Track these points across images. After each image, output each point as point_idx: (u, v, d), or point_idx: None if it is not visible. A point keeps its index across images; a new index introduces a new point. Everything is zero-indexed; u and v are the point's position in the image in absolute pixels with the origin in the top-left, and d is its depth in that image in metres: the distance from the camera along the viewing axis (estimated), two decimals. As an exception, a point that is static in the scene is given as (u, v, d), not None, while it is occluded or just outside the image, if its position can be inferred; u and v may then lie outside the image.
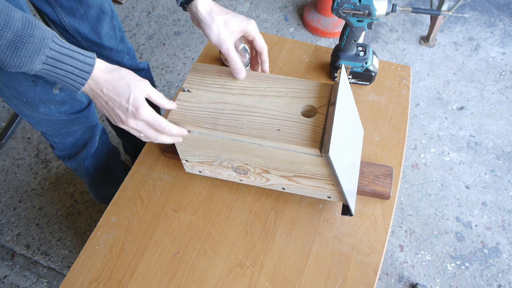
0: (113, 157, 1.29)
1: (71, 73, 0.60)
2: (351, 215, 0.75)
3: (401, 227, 1.54)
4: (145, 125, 0.67)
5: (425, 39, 2.06)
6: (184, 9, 0.76)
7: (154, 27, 2.19)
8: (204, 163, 0.79)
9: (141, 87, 0.65)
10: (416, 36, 2.09)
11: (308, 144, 0.65)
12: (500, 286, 1.42)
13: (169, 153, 0.88)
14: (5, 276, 1.48)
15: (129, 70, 0.66)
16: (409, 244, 1.50)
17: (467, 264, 1.46)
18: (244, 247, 0.78)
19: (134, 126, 0.66)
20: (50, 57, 0.57)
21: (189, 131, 0.71)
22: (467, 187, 1.62)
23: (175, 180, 0.87)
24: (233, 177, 0.81)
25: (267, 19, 2.21)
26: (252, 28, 0.75)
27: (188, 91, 0.74)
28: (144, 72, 1.26)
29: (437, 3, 1.91)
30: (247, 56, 0.99)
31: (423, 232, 1.53)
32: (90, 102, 1.02)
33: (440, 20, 1.92)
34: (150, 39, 2.14)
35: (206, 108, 0.71)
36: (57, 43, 0.58)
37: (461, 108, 1.84)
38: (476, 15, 2.18)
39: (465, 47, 2.05)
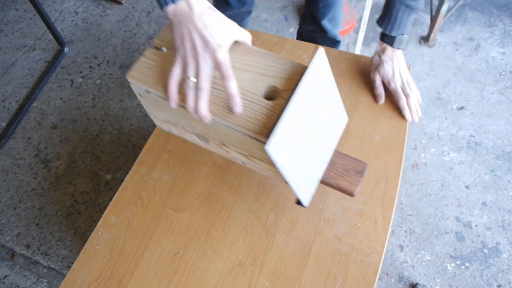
0: None
1: None
2: (303, 205, 0.71)
3: (401, 227, 1.54)
4: (211, 68, 0.61)
5: (425, 39, 2.06)
6: None
7: (154, 27, 2.19)
8: (170, 123, 0.75)
9: (233, 30, 0.62)
10: (416, 36, 2.09)
11: (256, 130, 0.59)
12: (500, 286, 1.42)
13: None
14: (5, 276, 1.48)
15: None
16: (409, 244, 1.50)
17: (467, 264, 1.46)
18: (244, 247, 0.78)
19: (203, 63, 0.60)
20: None
21: (147, 91, 0.66)
22: (467, 187, 1.62)
23: (175, 180, 0.87)
24: (198, 141, 0.75)
25: (267, 19, 2.21)
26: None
27: (158, 49, 0.68)
28: None
29: (437, 3, 1.91)
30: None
31: (423, 232, 1.53)
32: None
33: (440, 20, 1.92)
34: (150, 39, 2.14)
35: (168, 70, 0.65)
36: None
37: (461, 108, 1.84)
38: (476, 15, 2.18)
39: (465, 47, 2.04)
